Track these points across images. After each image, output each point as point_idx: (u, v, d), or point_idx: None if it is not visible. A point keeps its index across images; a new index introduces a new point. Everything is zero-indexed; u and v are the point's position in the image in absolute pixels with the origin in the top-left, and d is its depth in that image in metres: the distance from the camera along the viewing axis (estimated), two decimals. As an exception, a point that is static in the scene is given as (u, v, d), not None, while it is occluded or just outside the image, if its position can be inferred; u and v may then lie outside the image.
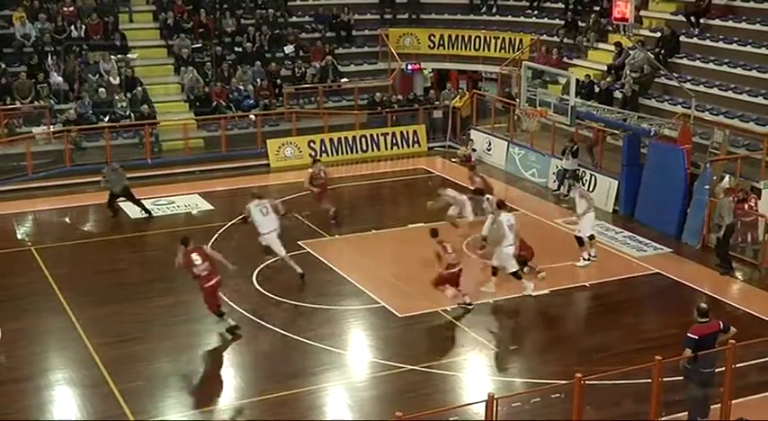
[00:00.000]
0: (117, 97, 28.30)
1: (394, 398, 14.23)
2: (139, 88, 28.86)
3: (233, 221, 20.67)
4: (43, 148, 26.79)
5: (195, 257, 16.06)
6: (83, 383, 14.73)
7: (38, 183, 25.62)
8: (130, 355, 15.54)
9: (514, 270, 17.69)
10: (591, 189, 23.42)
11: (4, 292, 18.25)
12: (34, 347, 16.01)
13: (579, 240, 19.53)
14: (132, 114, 28.16)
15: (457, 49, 32.84)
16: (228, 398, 14.53)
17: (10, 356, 15.60)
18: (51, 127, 27.16)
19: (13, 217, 23.55)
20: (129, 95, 28.57)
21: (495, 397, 11.70)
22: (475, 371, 15.37)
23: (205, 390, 14.75)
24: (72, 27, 29.97)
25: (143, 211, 23.18)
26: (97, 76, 28.96)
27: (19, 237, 22.32)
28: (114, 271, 19.64)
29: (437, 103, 31.24)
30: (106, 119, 27.82)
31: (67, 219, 23.64)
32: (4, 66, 28.32)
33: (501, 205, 18.39)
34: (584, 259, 19.40)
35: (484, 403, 11.80)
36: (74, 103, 28.04)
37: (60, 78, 28.56)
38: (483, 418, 11.85)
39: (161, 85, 29.85)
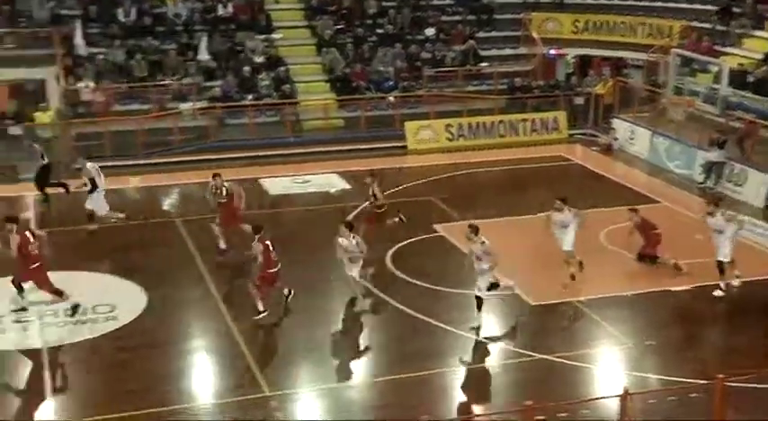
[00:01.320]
0: (260, 76, 28.91)
1: (523, 386, 14.09)
2: (282, 68, 29.40)
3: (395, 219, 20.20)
4: (189, 124, 27.62)
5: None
6: (221, 352, 15.16)
7: (183, 157, 26.46)
8: (266, 328, 15.89)
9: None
10: (740, 183, 22.52)
11: (150, 261, 18.95)
12: (176, 314, 16.59)
13: (720, 266, 17.36)
14: (275, 93, 28.72)
15: (601, 34, 32.10)
16: (360, 376, 14.67)
17: (155, 321, 16.19)
18: (197, 103, 27.97)
19: (159, 189, 24.45)
20: (272, 75, 29.14)
21: (630, 392, 11.42)
22: (608, 365, 15.05)
23: (337, 367, 14.92)
24: (220, 6, 30.75)
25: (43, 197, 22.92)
26: (242, 55, 29.64)
27: (165, 208, 23.15)
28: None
29: (579, 89, 30.66)
30: (250, 97, 28.46)
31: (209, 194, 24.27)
32: (156, 43, 29.33)
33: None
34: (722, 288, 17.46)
35: (617, 398, 11.53)
36: (220, 81, 28.80)
37: (208, 56, 29.37)
38: (616, 414, 11.60)
39: (303, 66, 30.31)
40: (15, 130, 26.51)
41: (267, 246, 15.93)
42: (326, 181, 24.79)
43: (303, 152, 27.12)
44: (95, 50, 28.79)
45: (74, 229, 20.66)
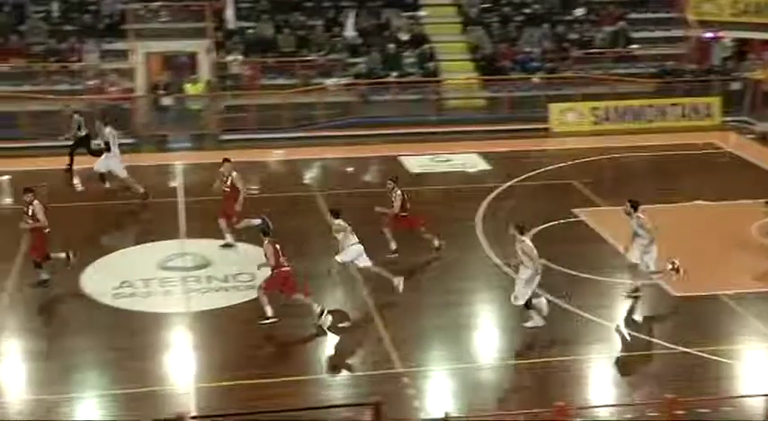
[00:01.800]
0: (405, 54, 28.88)
1: (663, 379, 13.58)
2: (427, 46, 29.28)
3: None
4: (333, 99, 27.87)
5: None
6: (355, 326, 15.23)
7: (326, 132, 26.73)
8: (402, 305, 15.86)
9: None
10: None
11: (290, 233, 19.15)
12: (313, 286, 16.71)
13: None
14: (418, 71, 28.64)
15: (764, 16, 30.55)
16: (493, 358, 14.46)
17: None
18: (342, 79, 28.18)
19: (301, 163, 24.79)
20: (416, 52, 29.06)
21: (779, 392, 10.85)
22: (755, 362, 14.35)
23: (472, 347, 14.76)
24: (368, -17, 30.90)
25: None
26: (388, 32, 29.66)
27: (306, 181, 23.46)
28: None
29: (736, 74, 29.34)
30: (394, 74, 28.48)
31: (350, 169, 24.51)
32: (303, 19, 29.68)
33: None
34: None
35: (764, 397, 10.97)
36: (364, 57, 28.92)
37: (354, 33, 29.52)
38: (762, 414, 11.04)
39: (448, 44, 30.10)
40: (167, 101, 27.36)
41: (276, 248, 15.25)
42: (467, 160, 24.58)
43: (444, 131, 26.97)
44: (245, 24, 29.37)
45: (218, 199, 21.13)
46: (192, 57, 28.71)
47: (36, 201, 16.25)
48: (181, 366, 13.96)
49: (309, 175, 24.17)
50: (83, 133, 22.91)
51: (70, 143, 22.99)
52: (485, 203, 20.68)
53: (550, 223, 18.96)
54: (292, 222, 19.91)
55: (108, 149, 21.06)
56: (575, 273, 17.02)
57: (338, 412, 12.19)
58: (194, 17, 28.94)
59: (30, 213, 16.20)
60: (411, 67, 28.74)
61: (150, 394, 13.00)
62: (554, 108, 27.77)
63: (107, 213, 20.46)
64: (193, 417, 11.67)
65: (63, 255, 16.55)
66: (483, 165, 24.20)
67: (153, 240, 18.54)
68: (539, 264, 14.50)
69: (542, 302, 14.84)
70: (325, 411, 12.26)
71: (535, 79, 28.81)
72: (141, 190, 20.94)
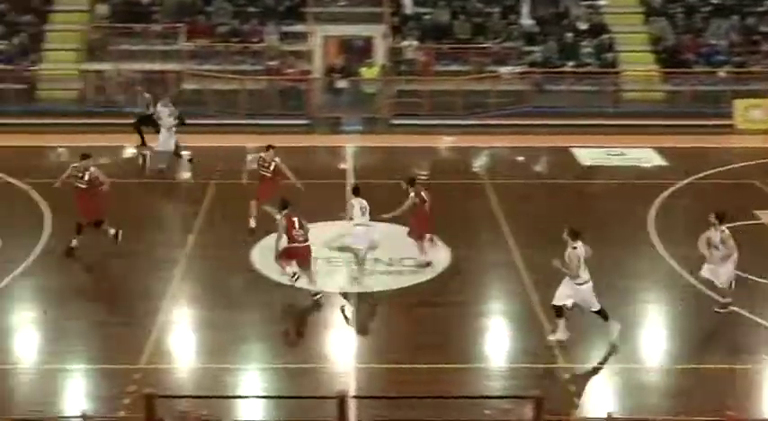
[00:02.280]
0: (583, 43, 28.21)
1: None
2: (606, 36, 28.51)
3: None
4: (507, 88, 27.54)
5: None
6: (518, 318, 14.99)
7: (498, 120, 26.47)
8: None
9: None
10: None
11: (456, 220, 19.10)
12: (477, 275, 16.61)
13: None
14: (596, 61, 27.93)
15: None
16: (657, 360, 13.91)
17: (456, 280, 16.30)
18: (517, 68, 27.82)
19: (471, 150, 24.64)
20: (594, 42, 28.34)
21: None
22: None
23: (636, 348, 14.23)
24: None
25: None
26: (566, 20, 29.05)
27: (475, 169, 23.30)
28: (558, 214, 19.66)
29: None
30: (570, 64, 27.88)
31: (520, 159, 24.19)
32: (480, 6, 29.45)
33: None
34: None
35: None
36: (540, 46, 28.44)
37: (531, 21, 29.07)
38: None
39: (629, 34, 29.19)
40: (342, 84, 27.76)
41: (293, 222, 15.11)
42: (642, 155, 23.78)
43: (620, 124, 26.20)
44: (421, 10, 29.41)
45: (386, 183, 21.27)
46: (368, 41, 29.00)
47: (93, 167, 16.82)
48: (342, 346, 14.12)
49: (479, 163, 23.99)
50: (150, 112, 23.37)
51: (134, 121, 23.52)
52: (658, 201, 19.95)
53: (730, 225, 18.04)
54: (459, 210, 19.83)
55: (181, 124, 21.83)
56: (757, 279, 16.12)
57: (497, 403, 12.02)
58: (372, 2, 29.23)
59: (87, 178, 16.73)
60: (588, 58, 28.07)
61: (311, 370, 13.21)
62: (739, 104, 26.49)
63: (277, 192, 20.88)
64: (353, 397, 11.76)
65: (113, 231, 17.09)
66: (659, 161, 23.37)
67: (322, 219, 18.82)
68: (579, 274, 13.55)
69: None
70: (484, 401, 12.11)
71: (721, 73, 27.54)
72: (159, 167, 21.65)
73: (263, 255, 16.94)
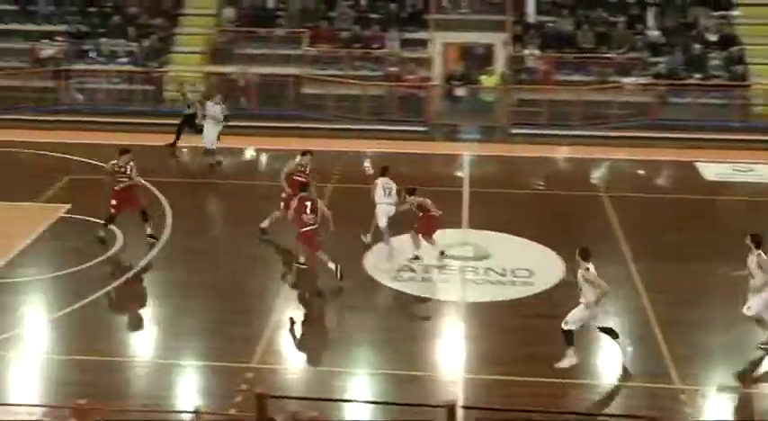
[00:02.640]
0: (711, 55, 27.39)
1: None
2: (737, 48, 27.60)
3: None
4: (629, 99, 26.97)
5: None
6: (633, 335, 14.56)
7: (619, 132, 25.92)
8: (685, 319, 15.01)
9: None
10: None
11: (572, 232, 18.77)
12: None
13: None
14: (725, 74, 27.08)
15: None
16: None
17: (569, 293, 15.91)
18: (640, 79, 27.21)
19: (590, 161, 24.21)
20: (724, 54, 27.48)
21: None
22: None
23: (756, 370, 13.69)
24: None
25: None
26: (694, 31, 28.26)
27: (593, 181, 22.87)
28: (680, 229, 19.14)
29: None
30: (697, 76, 27.11)
31: (641, 171, 23.64)
32: (605, 15, 28.92)
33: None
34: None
35: None
36: (666, 56, 27.74)
37: (657, 31, 28.39)
38: None
39: (762, 46, 28.16)
40: (460, 91, 27.67)
41: (305, 206, 15.81)
42: (774, 171, 22.94)
43: (749, 139, 25.31)
44: (544, 19, 29.07)
45: (502, 192, 21.14)
46: (489, 49, 28.83)
47: (131, 163, 17.58)
48: (451, 354, 14.02)
49: (597, 175, 23.53)
50: (190, 111, 23.79)
51: (178, 122, 24.06)
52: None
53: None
54: (575, 222, 19.50)
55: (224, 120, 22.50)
56: None
57: (609, 422, 11.74)
58: (494, 10, 29.06)
59: (128, 172, 17.55)
60: (716, 70, 27.21)
61: (419, 378, 13.15)
62: None
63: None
64: (462, 407, 11.65)
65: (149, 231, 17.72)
66: (790, 178, 22.50)
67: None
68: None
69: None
70: (594, 419, 11.83)
71: None
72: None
73: (376, 260, 16.99)
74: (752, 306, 13.76)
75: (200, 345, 14.30)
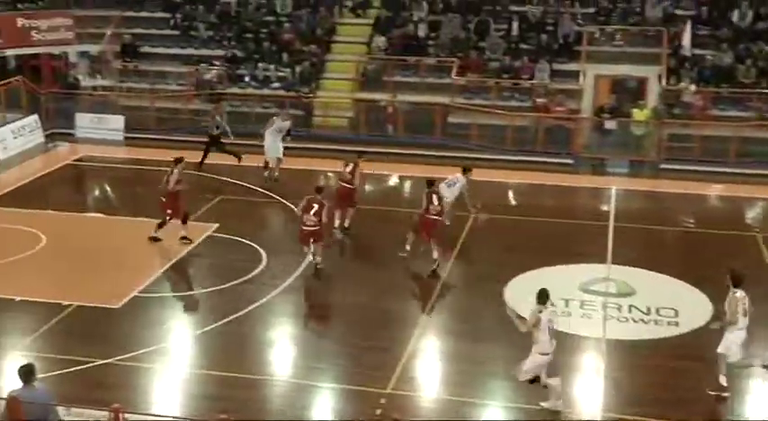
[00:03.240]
0: None
1: None
2: None
3: None
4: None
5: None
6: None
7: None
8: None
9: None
10: None
11: (721, 273, 18.00)
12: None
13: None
14: None
15: None
16: None
17: (715, 335, 15.34)
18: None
19: (743, 200, 23.31)
20: None
21: None
22: None
23: None
24: None
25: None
26: None
27: (747, 221, 21.97)
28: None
29: None
30: None
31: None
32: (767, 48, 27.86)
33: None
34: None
35: None
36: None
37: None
38: None
39: None
40: (610, 124, 27.13)
41: (311, 206, 17.04)
42: None
43: None
44: (701, 52, 28.21)
45: (650, 228, 20.56)
46: (642, 82, 28.17)
47: (176, 170, 18.61)
48: (589, 392, 13.67)
49: (751, 214, 22.58)
50: (217, 132, 24.23)
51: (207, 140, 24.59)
52: None
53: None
54: (725, 262, 18.68)
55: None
56: None
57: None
58: (649, 42, 28.42)
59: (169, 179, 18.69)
60: None
61: (555, 414, 12.87)
62: None
63: (532, 228, 20.65)
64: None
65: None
66: None
67: (579, 261, 18.42)
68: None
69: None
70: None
71: None
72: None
73: (516, 292, 16.78)
74: (731, 348, 13.46)
75: (338, 368, 14.43)
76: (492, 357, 14.71)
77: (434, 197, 17.90)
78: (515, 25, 29.55)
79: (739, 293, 13.42)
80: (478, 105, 27.58)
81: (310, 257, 17.57)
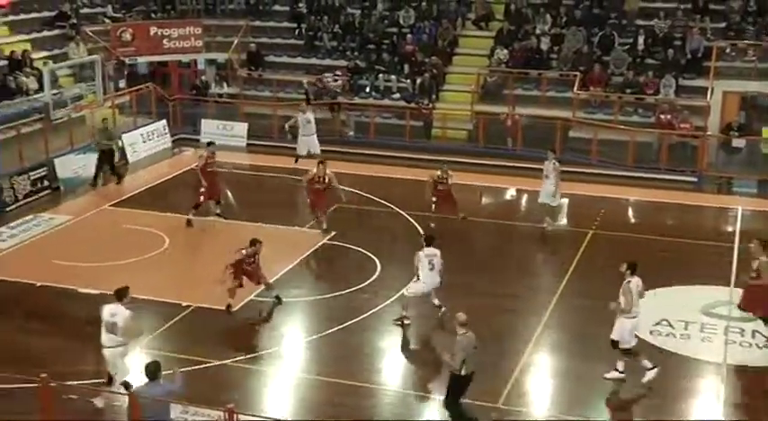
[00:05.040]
0: None
1: None
2: None
3: None
4: None
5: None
6: None
7: None
8: None
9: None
10: None
11: None
12: None
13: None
14: None
15: None
16: None
17: None
18: None
19: None
20: None
21: None
22: None
23: None
24: None
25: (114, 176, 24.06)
26: None
27: None
28: None
29: None
30: None
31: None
32: None
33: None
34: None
35: None
36: None
37: None
38: None
39: None
40: (738, 143, 26.28)
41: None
42: None
43: None
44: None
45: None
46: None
47: (329, 171, 20.32)
48: (707, 418, 13.24)
49: None
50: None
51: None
52: None
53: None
54: None
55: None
56: None
57: None
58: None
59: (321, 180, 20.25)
60: None
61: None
62: None
63: (652, 247, 20.13)
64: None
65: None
66: None
67: (700, 283, 17.89)
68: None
69: None
70: None
71: None
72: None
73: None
74: (613, 334, 14.11)
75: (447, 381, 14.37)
76: (592, 376, 14.41)
77: None
78: (641, 39, 28.95)
79: (633, 282, 13.96)
80: (600, 120, 27.11)
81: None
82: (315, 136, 25.44)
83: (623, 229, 21.33)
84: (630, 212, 23.42)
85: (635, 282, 14.03)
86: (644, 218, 22.86)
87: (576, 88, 27.79)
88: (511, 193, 24.43)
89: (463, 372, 12.55)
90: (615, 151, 26.02)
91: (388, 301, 16.85)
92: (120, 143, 25.40)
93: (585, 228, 20.81)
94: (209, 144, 21.68)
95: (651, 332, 15.81)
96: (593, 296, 17.04)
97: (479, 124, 27.51)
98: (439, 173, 20.90)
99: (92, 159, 24.23)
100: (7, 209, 21.80)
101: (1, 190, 21.86)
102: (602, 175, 25.05)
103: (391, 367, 15.07)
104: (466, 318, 12.69)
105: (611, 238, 20.22)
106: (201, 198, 20.80)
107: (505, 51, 29.38)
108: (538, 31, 29.83)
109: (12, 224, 20.75)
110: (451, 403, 12.80)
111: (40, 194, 22.87)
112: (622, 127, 26.51)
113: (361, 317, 16.31)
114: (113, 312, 12.93)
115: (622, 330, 14.01)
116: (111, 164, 23.98)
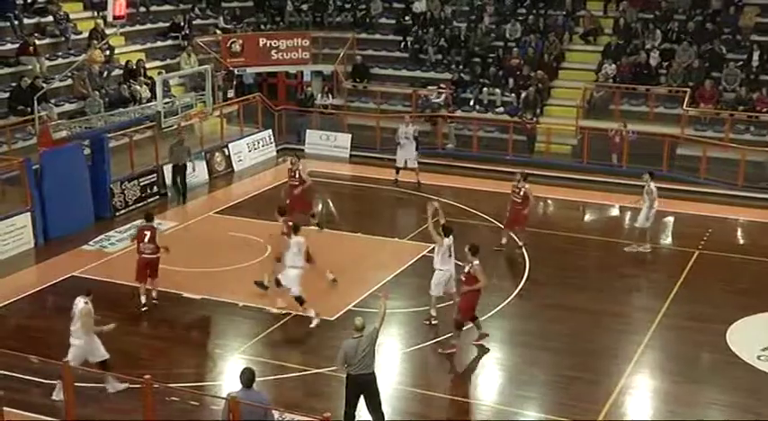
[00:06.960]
0: None
1: None
2: None
3: None
4: None
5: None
6: None
7: None
8: None
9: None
10: None
11: None
12: None
13: None
14: None
15: None
16: None
17: None
18: None
19: None
20: None
21: None
22: None
23: None
24: None
25: (181, 197, 23.77)
26: None
27: None
28: None
29: None
30: None
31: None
32: None
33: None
34: None
35: None
36: None
37: None
38: None
39: None
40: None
41: (283, 231, 17.21)
42: None
43: None
44: None
45: None
46: None
47: (301, 166, 20.66)
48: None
49: None
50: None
51: None
52: None
53: None
54: None
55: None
56: None
57: None
58: None
59: (297, 176, 20.83)
60: None
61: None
62: None
63: (761, 269, 19.46)
64: None
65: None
66: None
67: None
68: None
69: None
70: None
71: None
72: None
73: (739, 335, 15.90)
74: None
75: (545, 398, 14.21)
76: (706, 402, 14.05)
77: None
78: (756, 55, 28.11)
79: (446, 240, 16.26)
80: (710, 138, 26.42)
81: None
82: (414, 147, 25.33)
83: (730, 250, 20.72)
84: (739, 233, 22.73)
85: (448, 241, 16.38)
86: (753, 239, 22.15)
87: (685, 104, 27.16)
88: (614, 211, 23.99)
89: (344, 373, 12.60)
90: (724, 170, 25.30)
91: (484, 317, 16.66)
92: (191, 158, 24.25)
93: (692, 248, 20.29)
94: (298, 157, 21.85)
95: (759, 357, 15.29)
96: (697, 318, 16.64)
97: (584, 139, 27.11)
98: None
99: (200, 168, 24.77)
100: (117, 213, 22.48)
101: (112, 195, 22.55)
102: (710, 194, 24.39)
103: (486, 382, 14.94)
104: (362, 323, 12.74)
105: (717, 259, 19.67)
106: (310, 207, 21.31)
107: (613, 66, 28.93)
108: (647, 46, 29.28)
109: (120, 228, 21.38)
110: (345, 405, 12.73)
111: (149, 200, 23.51)
112: (733, 145, 25.77)
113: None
114: (76, 303, 13.82)
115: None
116: (183, 180, 23.95)
